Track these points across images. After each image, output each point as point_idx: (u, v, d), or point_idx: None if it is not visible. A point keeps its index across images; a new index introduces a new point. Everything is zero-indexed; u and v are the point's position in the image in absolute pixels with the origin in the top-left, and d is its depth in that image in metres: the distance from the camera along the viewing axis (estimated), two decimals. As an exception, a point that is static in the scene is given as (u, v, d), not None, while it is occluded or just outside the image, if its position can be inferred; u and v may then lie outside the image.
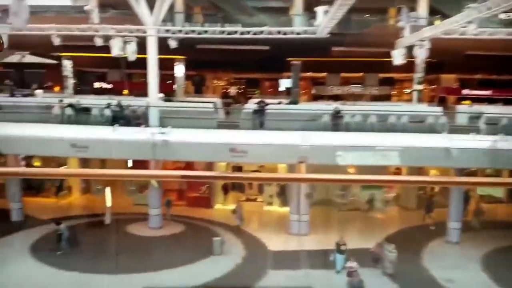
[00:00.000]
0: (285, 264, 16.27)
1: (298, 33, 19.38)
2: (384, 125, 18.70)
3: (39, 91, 26.77)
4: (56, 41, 19.88)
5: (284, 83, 27.13)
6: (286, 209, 21.08)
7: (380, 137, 17.78)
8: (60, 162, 24.28)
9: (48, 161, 24.24)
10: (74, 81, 27.80)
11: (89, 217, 20.79)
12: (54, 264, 16.20)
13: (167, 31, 20.17)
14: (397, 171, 22.70)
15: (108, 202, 18.35)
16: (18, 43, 22.56)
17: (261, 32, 19.39)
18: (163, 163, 20.55)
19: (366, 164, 16.32)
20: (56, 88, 29.75)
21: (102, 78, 31.90)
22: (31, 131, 18.31)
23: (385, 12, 25.01)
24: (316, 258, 16.42)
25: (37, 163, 24.71)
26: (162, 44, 19.81)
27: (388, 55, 20.34)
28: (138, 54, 19.15)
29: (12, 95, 23.65)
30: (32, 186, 23.59)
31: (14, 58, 26.28)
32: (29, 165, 24.33)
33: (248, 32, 19.47)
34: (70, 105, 19.66)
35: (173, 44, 20.15)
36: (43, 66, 31.09)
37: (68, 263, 16.08)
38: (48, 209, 21.06)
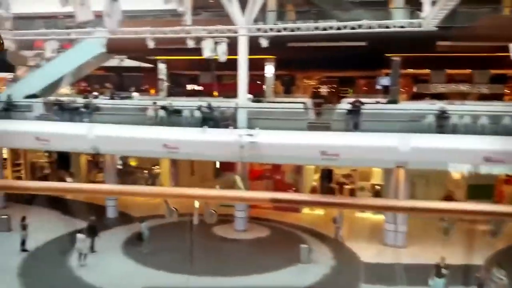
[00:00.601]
0: (379, 277, 14.89)
1: (401, 26, 17.75)
2: (496, 128, 16.45)
3: (135, 94, 27.99)
4: (151, 44, 20.34)
5: (383, 81, 25.43)
6: (380, 217, 19.52)
7: (492, 140, 15.63)
8: (153, 162, 25.09)
9: (143, 161, 25.17)
10: (168, 83, 28.67)
11: (178, 216, 21.00)
12: (141, 261, 16.46)
13: (258, 30, 19.71)
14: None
15: (196, 203, 18.29)
16: (116, 47, 23.61)
17: (360, 27, 18.06)
18: (250, 165, 20.12)
19: (479, 171, 14.35)
20: (152, 91, 30.97)
21: (194, 81, 32.61)
22: (128, 132, 18.93)
23: (498, 1, 22.24)
24: (414, 273, 14.78)
25: (133, 163, 25.80)
26: (252, 44, 19.40)
27: (501, 49, 17.92)
28: (229, 55, 18.92)
29: (112, 98, 24.89)
30: (126, 184, 24.59)
31: (114, 62, 27.71)
32: (125, 164, 25.50)
33: (345, 27, 18.25)
34: (163, 107, 20.06)
35: (264, 43, 19.63)
36: (140, 69, 32.56)
37: (155, 262, 16.23)
38: (141, 206, 21.69)
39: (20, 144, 21.33)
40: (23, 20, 24.55)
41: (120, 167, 24.31)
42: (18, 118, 20.76)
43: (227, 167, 22.13)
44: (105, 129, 19.27)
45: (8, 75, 29.03)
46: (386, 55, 21.90)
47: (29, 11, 25.21)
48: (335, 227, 18.64)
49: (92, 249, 16.94)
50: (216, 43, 18.89)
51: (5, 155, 24.20)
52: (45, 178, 25.51)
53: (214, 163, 23.76)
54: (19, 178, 25.42)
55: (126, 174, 25.00)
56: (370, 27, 18.05)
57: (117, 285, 14.85)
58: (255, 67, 21.37)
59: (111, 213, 21.79)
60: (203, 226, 17.67)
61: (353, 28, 18.21)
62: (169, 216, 16.27)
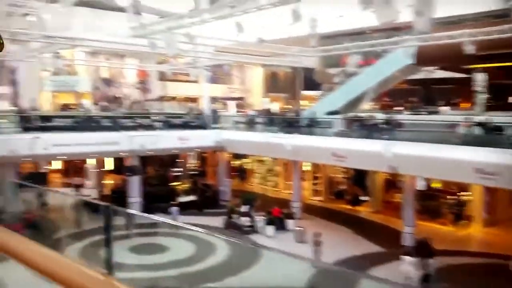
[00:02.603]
0: None
1: None
2: None
3: (445, 108, 24.76)
4: (469, 49, 16.93)
5: None
6: None
7: None
8: (461, 186, 21.31)
9: (448, 184, 21.80)
10: (487, 96, 24.10)
11: (489, 256, 16.85)
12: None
13: None
14: None
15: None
16: (426, 57, 21.26)
17: None
18: None
19: None
20: (464, 105, 26.93)
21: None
22: (432, 151, 16.35)
23: None
24: None
25: (436, 185, 22.65)
26: None
27: None
28: None
29: (416, 113, 22.65)
30: (428, 210, 21.74)
31: (420, 74, 25.38)
32: (427, 186, 22.60)
33: None
34: (479, 124, 16.49)
35: None
36: (451, 81, 28.93)
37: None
38: (442, 237, 18.50)
39: (319, 159, 21.69)
40: (330, 39, 25.26)
41: (420, 189, 21.65)
42: (319, 134, 21.13)
43: None
44: (406, 147, 17.22)
45: (316, 93, 30.82)
46: None
47: (334, 29, 25.78)
48: None
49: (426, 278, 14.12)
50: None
51: (307, 168, 25.36)
52: (340, 193, 25.43)
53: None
54: (316, 191, 26.22)
55: (428, 197, 22.11)
56: None
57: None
58: None
59: (407, 240, 19.40)
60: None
61: None
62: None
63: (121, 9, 24.08)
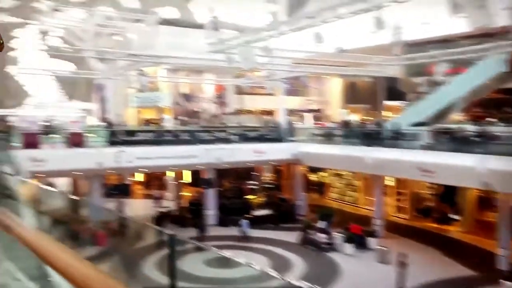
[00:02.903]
0: None
1: None
2: None
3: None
4: None
5: None
6: None
7: None
8: None
9: None
10: None
11: None
12: None
13: None
14: None
15: None
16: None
17: None
18: None
19: None
20: None
21: None
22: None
23: None
24: None
25: None
26: None
27: None
28: None
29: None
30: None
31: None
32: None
33: None
34: None
35: None
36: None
37: None
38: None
39: (403, 173, 20.42)
40: (415, 47, 23.90)
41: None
42: (403, 147, 19.91)
43: None
44: (501, 162, 15.64)
45: (399, 104, 29.29)
46: None
47: (421, 36, 24.33)
48: None
49: None
50: None
51: (391, 183, 23.99)
52: (427, 211, 23.67)
53: None
54: (400, 208, 24.65)
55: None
56: None
57: None
58: None
59: (502, 263, 17.48)
60: None
61: None
62: None
63: (200, 26, 24.94)
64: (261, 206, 25.13)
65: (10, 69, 33.14)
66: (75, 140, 20.07)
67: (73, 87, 36.23)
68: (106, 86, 31.33)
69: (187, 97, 32.81)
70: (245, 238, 20.64)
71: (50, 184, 29.56)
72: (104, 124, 25.35)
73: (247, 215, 22.46)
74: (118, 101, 31.24)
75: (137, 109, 31.52)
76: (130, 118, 31.07)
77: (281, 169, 29.35)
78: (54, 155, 18.96)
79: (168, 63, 27.10)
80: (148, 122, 30.65)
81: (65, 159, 19.17)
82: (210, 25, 19.08)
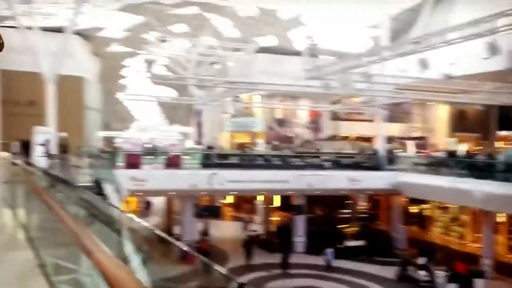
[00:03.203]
0: None
1: None
2: None
3: None
4: None
5: None
6: None
7: None
8: None
9: None
10: None
11: None
12: None
13: None
14: None
15: None
16: None
17: None
18: None
19: None
20: None
21: None
22: None
23: None
24: None
25: None
26: None
27: None
28: None
29: None
30: None
31: None
32: None
33: None
34: None
35: None
36: None
37: None
38: None
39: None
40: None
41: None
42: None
43: None
44: None
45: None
46: None
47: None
48: None
49: None
50: None
51: (503, 219, 21.34)
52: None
53: None
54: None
55: None
56: None
57: None
58: None
59: None
60: None
61: None
62: None
63: (297, 53, 24.99)
64: (354, 236, 24.16)
65: (120, 95, 36.08)
66: (173, 162, 20.84)
67: (173, 112, 38.38)
68: (203, 111, 32.63)
69: (281, 122, 32.95)
70: (329, 268, 19.77)
71: (148, 202, 31.36)
72: (200, 147, 26.21)
73: (338, 245, 21.53)
74: (213, 125, 32.32)
75: (231, 133, 32.27)
76: (224, 142, 31.90)
77: (378, 199, 27.91)
78: (153, 175, 19.82)
79: (264, 89, 27.49)
80: (241, 146, 31.24)
81: (162, 179, 19.96)
82: (308, 52, 18.94)
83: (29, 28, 19.73)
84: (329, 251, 20.30)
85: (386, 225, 25.68)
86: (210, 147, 25.38)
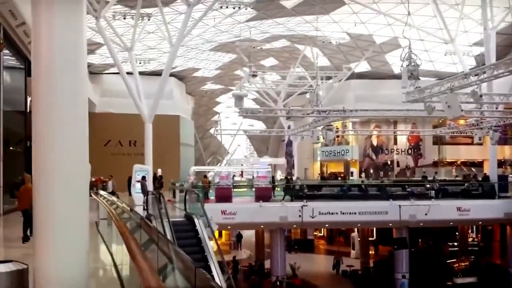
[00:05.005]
0: None
1: None
2: None
3: None
4: None
5: None
6: None
7: None
8: None
9: None
10: None
11: None
12: None
13: None
14: None
15: None
16: None
17: None
18: None
19: None
20: None
21: None
22: None
23: None
24: None
25: None
26: None
27: None
28: None
29: None
30: None
31: None
32: None
33: None
34: None
35: None
36: None
37: None
38: None
39: None
40: None
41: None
42: None
43: None
44: None
45: None
46: None
47: None
48: None
49: None
50: None
51: None
52: None
53: None
54: None
55: None
56: None
57: None
58: None
59: None
60: None
61: None
62: None
63: (395, 76, 23.68)
64: (464, 272, 22.22)
65: (212, 131, 37.29)
66: (262, 194, 20.57)
67: (263, 144, 38.54)
68: (293, 141, 32.32)
69: (377, 148, 31.36)
70: None
71: (239, 235, 31.18)
72: (290, 178, 25.73)
73: (448, 282, 19.37)
74: (304, 155, 31.71)
75: (322, 162, 31.44)
76: (315, 172, 31.10)
77: (490, 229, 25.01)
78: (242, 209, 19.67)
79: (357, 116, 26.45)
80: (333, 175, 30.18)
81: (252, 212, 19.72)
82: (407, 73, 17.59)
83: (129, 73, 21.17)
84: (405, 281, 19.13)
85: (500, 259, 23.44)
86: (296, 179, 24.80)
